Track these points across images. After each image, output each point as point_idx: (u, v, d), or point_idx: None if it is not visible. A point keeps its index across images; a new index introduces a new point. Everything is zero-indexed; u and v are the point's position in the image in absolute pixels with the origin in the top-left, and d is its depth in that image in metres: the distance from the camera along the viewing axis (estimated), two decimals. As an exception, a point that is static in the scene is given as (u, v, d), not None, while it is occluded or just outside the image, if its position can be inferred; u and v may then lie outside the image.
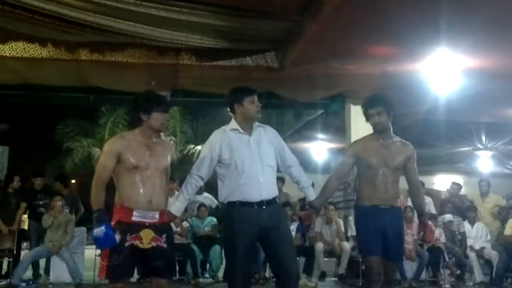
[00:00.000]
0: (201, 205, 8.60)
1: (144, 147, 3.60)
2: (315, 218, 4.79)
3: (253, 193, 3.89)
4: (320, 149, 12.27)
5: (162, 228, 3.59)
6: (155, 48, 6.13)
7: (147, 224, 3.52)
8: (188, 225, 8.36)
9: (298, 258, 8.30)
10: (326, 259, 7.95)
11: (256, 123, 4.07)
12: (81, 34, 5.62)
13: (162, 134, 16.44)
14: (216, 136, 4.02)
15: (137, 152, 3.56)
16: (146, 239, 3.52)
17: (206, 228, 8.45)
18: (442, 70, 6.43)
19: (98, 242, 3.48)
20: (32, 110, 15.30)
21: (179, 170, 17.34)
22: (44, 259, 7.69)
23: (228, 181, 3.93)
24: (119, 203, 3.56)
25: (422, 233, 4.94)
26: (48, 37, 5.89)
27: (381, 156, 4.28)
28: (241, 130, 3.98)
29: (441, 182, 14.32)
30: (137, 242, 3.48)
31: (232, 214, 3.91)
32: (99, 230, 3.41)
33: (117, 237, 3.46)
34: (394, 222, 4.30)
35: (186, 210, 8.45)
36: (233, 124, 4.03)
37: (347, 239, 8.08)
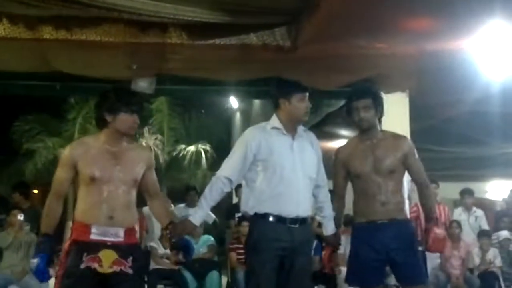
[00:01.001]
0: (195, 220, 8.59)
1: (108, 154, 3.67)
2: (336, 257, 4.90)
3: (290, 207, 4.01)
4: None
5: (128, 249, 3.63)
6: (137, 24, 6.13)
7: (108, 243, 3.56)
8: (179, 245, 8.37)
9: (316, 287, 8.33)
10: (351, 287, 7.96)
11: (301, 127, 4.15)
12: (44, 7, 5.63)
13: (146, 130, 16.55)
14: (253, 133, 4.16)
15: (98, 161, 3.64)
16: (107, 262, 3.57)
17: (201, 250, 8.48)
18: (496, 49, 6.41)
19: (34, 275, 3.62)
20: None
21: (167, 177, 17.48)
22: (-1, 289, 7.73)
23: (260, 188, 4.03)
24: (76, 219, 3.62)
25: (424, 241, 4.89)
26: (2, 10, 5.89)
27: (368, 160, 4.34)
28: (284, 131, 4.07)
29: (496, 190, 14.29)
30: (95, 265, 3.54)
31: (258, 229, 3.98)
32: (32, 263, 3.54)
33: (52, 271, 3.59)
34: (397, 238, 4.32)
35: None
36: (275, 121, 4.15)
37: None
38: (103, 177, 3.59)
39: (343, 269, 7.78)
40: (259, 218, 3.97)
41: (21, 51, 6.40)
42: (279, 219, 3.93)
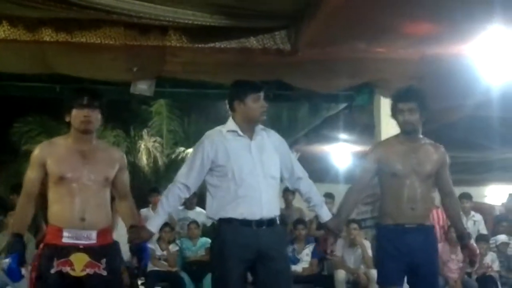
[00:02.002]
0: (192, 222, 8.61)
1: (77, 154, 3.65)
2: (334, 243, 4.74)
3: (253, 209, 3.91)
4: (342, 152, 12.26)
5: (101, 251, 3.62)
6: (137, 26, 6.14)
7: (80, 246, 3.55)
8: (177, 248, 8.37)
9: (314, 290, 8.33)
10: (349, 291, 7.95)
11: (260, 126, 4.10)
12: (44, 9, 5.63)
13: (145, 133, 16.46)
14: (209, 138, 4.05)
15: (65, 160, 3.62)
16: (79, 265, 3.56)
17: (198, 252, 8.47)
18: (496, 54, 6.42)
19: (6, 275, 3.61)
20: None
21: (166, 179, 17.41)
22: (-3, 290, 7.71)
23: (221, 193, 3.96)
24: (49, 222, 3.63)
25: (468, 260, 4.83)
26: (3, 12, 5.90)
27: (409, 162, 4.30)
28: (240, 133, 4.03)
29: (495, 194, 14.29)
30: (66, 269, 3.53)
31: (223, 234, 3.92)
32: (4, 263, 3.53)
33: (24, 271, 3.58)
34: (425, 245, 4.29)
35: (173, 229, 8.47)
36: (231, 124, 4.07)
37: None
38: (72, 176, 3.58)
39: (341, 272, 7.80)
40: (224, 223, 3.90)
41: (21, 53, 6.40)
42: (244, 222, 3.86)
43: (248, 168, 3.93)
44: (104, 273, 3.57)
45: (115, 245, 3.84)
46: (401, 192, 4.28)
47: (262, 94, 4.02)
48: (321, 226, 8.59)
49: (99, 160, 3.71)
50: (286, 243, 4.08)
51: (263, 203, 3.91)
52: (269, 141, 4.10)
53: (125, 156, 4.05)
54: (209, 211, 4.05)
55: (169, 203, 3.98)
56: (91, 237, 3.58)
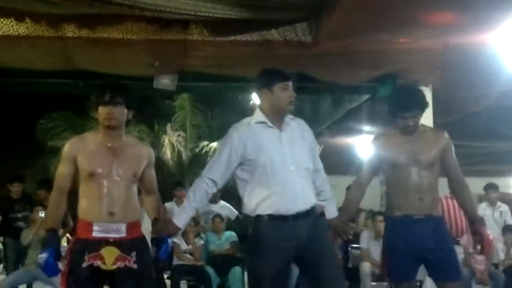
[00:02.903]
0: (217, 216, 8.62)
1: (107, 150, 3.69)
2: (339, 242, 4.70)
3: (287, 204, 3.83)
4: (365, 144, 12.20)
5: (131, 244, 3.64)
6: (158, 21, 6.14)
7: (111, 240, 3.58)
8: (202, 241, 8.39)
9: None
10: (374, 283, 7.91)
11: (289, 116, 4.04)
12: (66, 5, 5.65)
13: (169, 127, 16.59)
14: (237, 131, 3.98)
15: (95, 156, 3.66)
16: (110, 259, 3.58)
17: (223, 246, 8.48)
18: (520, 42, 6.35)
19: (42, 270, 3.62)
20: (7, 100, 15.47)
21: (190, 173, 17.52)
22: (25, 285, 7.79)
23: (254, 188, 3.88)
24: (79, 217, 3.66)
25: (478, 246, 4.73)
26: (26, 9, 5.93)
27: (409, 151, 4.26)
28: (269, 124, 3.94)
29: (521, 184, 14.16)
30: (98, 262, 3.55)
31: (260, 231, 3.84)
32: (41, 258, 3.56)
33: (60, 264, 3.61)
34: (434, 235, 4.23)
35: (198, 223, 8.49)
36: (259, 115, 3.99)
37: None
38: (102, 172, 3.61)
39: (366, 265, 7.77)
40: (260, 219, 3.82)
41: (44, 49, 6.45)
42: (281, 218, 3.78)
43: (279, 161, 3.85)
44: (135, 266, 3.59)
45: (144, 238, 3.86)
46: (406, 183, 4.24)
47: (290, 84, 3.95)
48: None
49: (128, 156, 3.74)
50: (325, 228, 3.96)
51: (297, 196, 3.84)
52: (298, 131, 4.03)
53: (153, 152, 4.06)
54: (245, 208, 3.96)
55: (195, 199, 3.91)
56: (121, 230, 3.61)
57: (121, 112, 3.72)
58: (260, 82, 4.03)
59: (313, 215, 3.92)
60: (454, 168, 4.38)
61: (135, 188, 3.77)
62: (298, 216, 3.82)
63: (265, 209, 3.82)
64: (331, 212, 4.21)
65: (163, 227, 3.88)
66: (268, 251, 3.81)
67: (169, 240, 4.15)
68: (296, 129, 4.03)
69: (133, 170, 3.73)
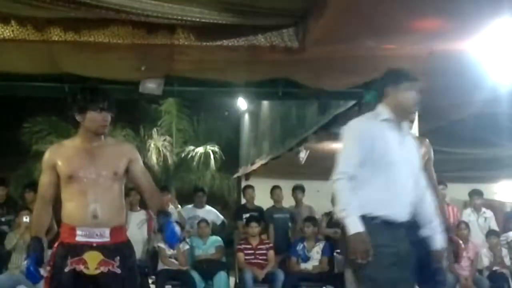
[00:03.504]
0: (202, 221, 8.63)
1: (83, 152, 3.70)
2: None
3: (401, 210, 3.71)
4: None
5: (115, 249, 3.64)
6: (145, 25, 6.13)
7: (94, 245, 3.57)
8: (187, 246, 8.38)
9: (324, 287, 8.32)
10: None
11: (407, 123, 3.95)
12: (52, 9, 5.63)
13: (154, 132, 16.57)
14: (366, 125, 3.83)
15: (74, 159, 3.68)
16: (92, 263, 3.58)
17: (209, 250, 8.48)
18: (505, 48, 6.38)
19: (26, 278, 3.65)
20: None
21: (176, 178, 17.50)
22: (8, 290, 7.74)
23: (372, 188, 3.68)
24: (63, 221, 3.67)
25: (451, 254, 4.71)
26: (11, 12, 5.90)
27: None
28: (394, 123, 3.81)
29: (505, 191, 14.23)
30: (80, 267, 3.56)
31: (378, 236, 3.60)
32: (23, 265, 3.58)
33: (42, 271, 3.62)
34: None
35: (183, 228, 8.48)
36: (385, 112, 3.82)
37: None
38: (81, 174, 3.62)
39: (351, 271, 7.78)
40: (370, 221, 3.59)
41: (29, 52, 6.42)
42: (391, 223, 3.63)
43: (401, 165, 3.72)
44: (118, 271, 3.58)
45: (129, 243, 3.84)
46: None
47: (416, 86, 3.84)
48: (330, 223, 8.66)
49: (107, 155, 3.73)
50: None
51: (408, 206, 3.74)
52: (412, 141, 3.96)
53: (134, 148, 4.04)
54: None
55: (351, 201, 3.63)
56: (104, 235, 3.61)
57: (109, 118, 3.75)
58: (385, 80, 3.93)
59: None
60: (431, 173, 4.42)
61: (118, 188, 3.74)
62: (403, 226, 3.71)
63: (376, 211, 3.65)
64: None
65: (356, 246, 3.54)
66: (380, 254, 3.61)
67: (172, 223, 3.87)
68: (412, 140, 3.96)
69: (112, 168, 3.71)
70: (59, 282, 3.57)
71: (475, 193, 9.32)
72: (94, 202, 3.60)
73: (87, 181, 3.63)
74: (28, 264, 3.59)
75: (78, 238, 3.60)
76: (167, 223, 3.78)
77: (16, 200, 8.58)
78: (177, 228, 3.90)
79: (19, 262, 7.31)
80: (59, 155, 3.74)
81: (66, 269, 3.55)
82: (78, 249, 3.58)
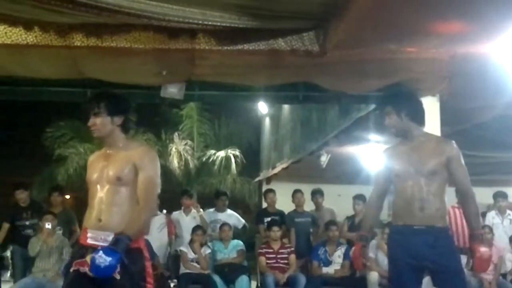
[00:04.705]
0: (224, 224, 8.63)
1: (103, 158, 3.79)
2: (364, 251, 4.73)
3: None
4: (373, 154, 12.16)
5: None
6: (166, 30, 6.16)
7: (99, 248, 3.57)
8: (209, 250, 8.39)
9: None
10: (382, 292, 7.89)
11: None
12: (75, 15, 5.67)
13: (176, 136, 16.63)
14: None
15: (92, 164, 3.87)
16: None
17: (230, 254, 8.48)
18: (528, 51, 6.32)
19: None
20: (15, 109, 15.54)
21: (197, 182, 17.54)
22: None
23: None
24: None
25: (470, 261, 4.48)
26: (34, 18, 5.96)
27: (409, 161, 4.26)
28: None
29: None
30: (85, 269, 3.56)
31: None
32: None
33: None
34: (433, 247, 4.18)
35: (205, 231, 8.49)
36: None
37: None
38: (94, 179, 3.73)
39: (374, 274, 7.74)
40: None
41: (52, 58, 6.47)
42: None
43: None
44: (117, 277, 3.56)
45: (137, 251, 3.74)
46: (407, 192, 4.24)
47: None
48: (353, 227, 8.63)
49: (117, 160, 3.77)
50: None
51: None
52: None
53: (147, 154, 3.87)
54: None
55: None
56: (107, 239, 3.63)
57: (101, 122, 3.81)
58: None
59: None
60: (460, 178, 4.31)
61: (125, 193, 3.71)
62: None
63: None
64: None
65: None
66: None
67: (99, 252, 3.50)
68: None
69: (116, 173, 3.71)
70: (66, 281, 3.68)
71: (500, 195, 9.23)
72: (99, 206, 3.69)
73: (99, 185, 3.72)
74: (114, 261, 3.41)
75: (89, 240, 3.69)
76: (95, 250, 3.52)
77: (40, 204, 8.64)
78: (103, 259, 3.46)
79: (43, 266, 7.36)
80: (89, 162, 3.97)
81: (71, 269, 3.63)
82: (84, 251, 3.66)
